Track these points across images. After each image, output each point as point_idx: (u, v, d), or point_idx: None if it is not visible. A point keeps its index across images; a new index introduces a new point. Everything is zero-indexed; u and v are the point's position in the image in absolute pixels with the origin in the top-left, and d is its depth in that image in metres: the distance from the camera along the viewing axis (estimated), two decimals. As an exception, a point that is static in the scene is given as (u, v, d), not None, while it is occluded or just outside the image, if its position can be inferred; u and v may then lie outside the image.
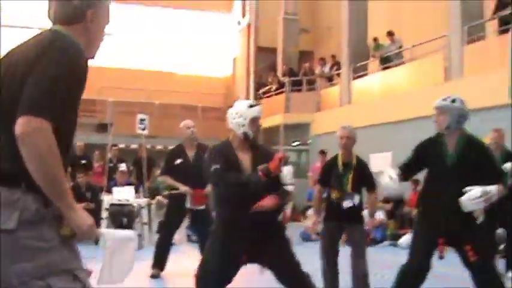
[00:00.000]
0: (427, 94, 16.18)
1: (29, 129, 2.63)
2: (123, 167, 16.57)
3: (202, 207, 9.28)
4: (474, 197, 5.73)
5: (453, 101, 6.45)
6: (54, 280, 2.71)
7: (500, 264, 9.74)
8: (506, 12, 14.47)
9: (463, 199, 5.70)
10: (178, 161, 9.40)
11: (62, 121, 2.78)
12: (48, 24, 3.21)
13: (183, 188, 9.17)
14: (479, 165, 6.02)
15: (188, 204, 9.22)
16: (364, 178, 7.77)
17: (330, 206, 7.85)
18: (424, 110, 16.10)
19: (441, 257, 6.26)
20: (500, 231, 10.62)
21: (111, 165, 16.23)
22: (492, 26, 15.17)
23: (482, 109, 14.05)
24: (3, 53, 3.10)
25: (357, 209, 7.69)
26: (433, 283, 8.55)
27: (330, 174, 7.82)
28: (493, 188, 5.81)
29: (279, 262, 5.88)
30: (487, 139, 10.35)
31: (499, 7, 14.95)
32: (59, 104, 2.76)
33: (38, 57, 2.82)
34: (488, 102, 13.85)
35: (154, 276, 9.25)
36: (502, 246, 10.56)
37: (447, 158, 6.12)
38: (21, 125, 2.65)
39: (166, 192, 11.02)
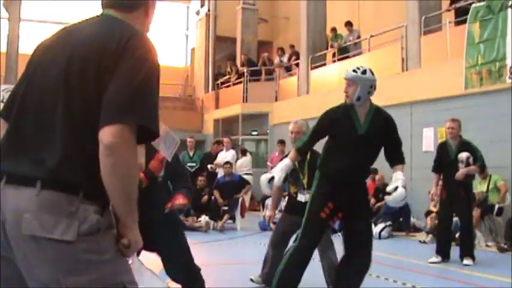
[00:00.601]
0: (384, 84, 16.27)
1: (121, 140, 2.41)
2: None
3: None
4: (400, 198, 6.02)
5: (364, 72, 6.43)
6: None
7: (455, 252, 9.90)
8: (462, 3, 14.63)
9: (389, 199, 5.80)
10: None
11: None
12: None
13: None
14: (387, 136, 6.25)
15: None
16: None
17: (289, 198, 7.91)
18: (381, 99, 16.21)
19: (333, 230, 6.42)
20: (455, 219, 10.78)
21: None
22: (449, 17, 15.30)
23: (438, 99, 14.22)
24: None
25: None
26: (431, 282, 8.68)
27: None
28: (403, 180, 6.12)
29: None
30: (444, 128, 10.49)
31: (455, -1, 15.11)
32: (152, 111, 2.60)
33: (118, 54, 2.54)
34: (444, 92, 14.00)
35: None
36: (457, 235, 10.71)
37: (359, 128, 6.16)
38: (112, 135, 2.40)
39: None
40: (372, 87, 6.31)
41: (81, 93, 2.52)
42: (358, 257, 6.05)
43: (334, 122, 6.36)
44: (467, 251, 9.78)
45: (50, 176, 2.48)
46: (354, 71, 6.43)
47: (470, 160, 9.73)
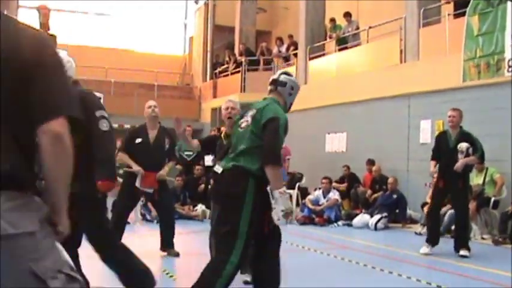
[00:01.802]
0: (382, 76, 16.33)
1: (66, 129, 2.67)
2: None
3: (150, 190, 9.18)
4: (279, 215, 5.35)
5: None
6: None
7: (450, 244, 9.93)
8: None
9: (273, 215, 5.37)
10: (138, 140, 9.23)
11: None
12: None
13: (136, 168, 9.03)
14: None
15: (137, 184, 9.05)
16: None
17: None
18: (379, 91, 16.28)
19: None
20: (451, 211, 10.80)
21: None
22: (448, 9, 15.28)
23: (436, 91, 14.22)
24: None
25: None
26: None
27: (214, 145, 7.82)
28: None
29: None
30: (442, 121, 10.47)
31: (455, -10, 15.08)
32: (73, 101, 2.88)
33: (39, 61, 2.74)
34: (442, 84, 14.00)
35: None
36: (453, 227, 10.74)
37: None
38: (60, 126, 2.66)
39: (121, 171, 10.92)
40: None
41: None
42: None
43: None
44: (463, 243, 9.78)
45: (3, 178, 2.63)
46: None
47: (470, 151, 9.68)
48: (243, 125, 5.65)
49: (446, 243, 10.20)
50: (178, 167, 15.91)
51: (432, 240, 9.99)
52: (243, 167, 5.31)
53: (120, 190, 9.30)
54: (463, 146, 9.74)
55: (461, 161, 9.67)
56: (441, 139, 10.20)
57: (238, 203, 5.20)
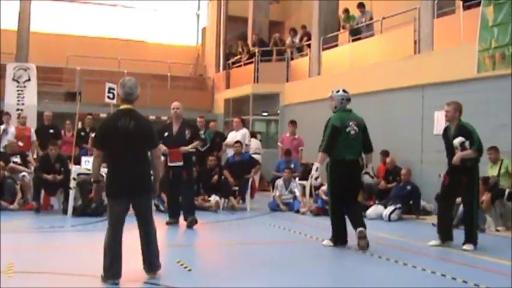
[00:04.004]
0: (396, 66, 16.28)
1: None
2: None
3: (180, 163, 11.50)
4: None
5: (337, 91, 9.90)
6: None
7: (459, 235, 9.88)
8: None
9: None
10: (165, 134, 11.62)
11: None
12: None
13: (162, 148, 10.75)
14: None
15: (168, 163, 11.48)
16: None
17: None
18: (393, 82, 16.23)
19: None
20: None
21: (83, 133, 16.10)
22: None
23: (450, 82, 14.16)
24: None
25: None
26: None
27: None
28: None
29: None
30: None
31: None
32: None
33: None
34: (456, 75, 13.94)
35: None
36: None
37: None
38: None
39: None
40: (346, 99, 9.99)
41: None
42: None
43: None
44: (467, 237, 9.71)
45: None
46: (332, 91, 10.00)
47: (466, 144, 9.52)
48: (353, 132, 9.61)
49: (461, 235, 10.17)
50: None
51: (442, 236, 9.96)
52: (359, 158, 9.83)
53: None
54: (456, 141, 9.63)
55: (456, 156, 9.60)
56: (444, 134, 10.13)
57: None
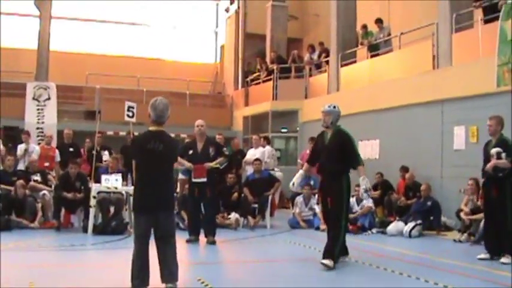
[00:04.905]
0: (415, 82, 16.24)
1: None
2: (106, 154, 16.58)
3: (203, 179, 11.67)
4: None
5: (334, 107, 9.63)
6: None
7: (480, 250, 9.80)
8: (488, 2, 14.47)
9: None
10: (190, 152, 11.84)
11: None
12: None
13: (187, 164, 11.69)
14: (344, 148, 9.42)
15: (192, 179, 11.81)
16: None
17: None
18: (412, 97, 16.18)
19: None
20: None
21: (95, 152, 16.22)
22: (480, 14, 15.15)
23: (470, 97, 14.10)
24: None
25: None
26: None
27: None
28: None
29: None
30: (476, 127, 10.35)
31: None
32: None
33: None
34: (476, 90, 13.87)
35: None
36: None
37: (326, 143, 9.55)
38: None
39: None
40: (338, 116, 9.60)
41: None
42: None
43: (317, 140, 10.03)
44: (503, 250, 9.67)
45: None
46: (328, 106, 9.67)
47: (503, 155, 9.59)
48: None
49: (483, 250, 10.09)
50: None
51: (489, 250, 9.96)
52: None
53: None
54: (493, 151, 9.67)
55: (490, 163, 9.62)
56: (485, 149, 10.13)
57: None
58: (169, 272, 6.97)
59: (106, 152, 16.87)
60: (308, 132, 20.16)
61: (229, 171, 15.86)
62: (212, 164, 11.77)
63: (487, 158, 9.89)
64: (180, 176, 14.81)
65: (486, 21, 14.44)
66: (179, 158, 11.02)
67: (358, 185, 10.33)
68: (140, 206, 7.05)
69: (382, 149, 17.43)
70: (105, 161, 16.11)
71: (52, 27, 25.98)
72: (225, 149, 13.04)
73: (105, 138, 18.52)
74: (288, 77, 24.20)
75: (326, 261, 8.86)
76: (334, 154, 9.33)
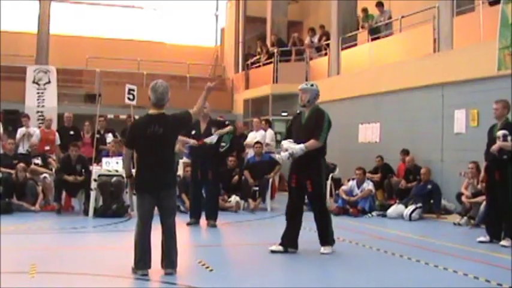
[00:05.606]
0: (416, 65, 16.21)
1: None
2: (110, 137, 16.59)
3: (213, 139, 11.78)
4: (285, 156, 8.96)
5: (312, 85, 9.65)
6: None
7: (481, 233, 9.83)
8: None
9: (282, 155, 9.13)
10: (193, 132, 11.81)
11: None
12: None
13: (191, 141, 11.78)
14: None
15: (204, 140, 11.74)
16: None
17: None
18: (412, 81, 16.15)
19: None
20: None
21: (98, 136, 16.22)
22: (481, -3, 15.12)
23: (470, 80, 14.08)
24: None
25: None
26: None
27: None
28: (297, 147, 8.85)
29: None
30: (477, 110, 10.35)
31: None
32: None
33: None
34: (476, 73, 13.85)
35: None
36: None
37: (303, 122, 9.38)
38: None
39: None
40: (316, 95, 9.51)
41: None
42: None
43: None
44: (504, 233, 9.72)
45: None
46: (305, 84, 9.80)
47: (509, 138, 9.60)
48: None
49: (482, 232, 10.13)
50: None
51: (491, 234, 10.01)
52: None
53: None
54: (500, 133, 9.68)
55: (496, 145, 9.64)
56: (490, 132, 10.16)
57: None
58: (169, 260, 7.07)
59: (110, 135, 16.89)
60: (308, 115, 20.13)
61: (230, 154, 15.88)
62: (218, 132, 11.92)
63: (491, 141, 9.91)
64: (183, 159, 14.87)
65: (490, 3, 14.38)
66: (182, 137, 11.61)
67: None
68: (143, 186, 7.12)
69: (383, 133, 17.43)
70: (109, 143, 16.11)
71: (52, 10, 25.93)
72: (227, 122, 13.26)
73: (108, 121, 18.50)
74: (289, 60, 24.12)
75: (326, 250, 8.85)
76: (312, 134, 9.00)
